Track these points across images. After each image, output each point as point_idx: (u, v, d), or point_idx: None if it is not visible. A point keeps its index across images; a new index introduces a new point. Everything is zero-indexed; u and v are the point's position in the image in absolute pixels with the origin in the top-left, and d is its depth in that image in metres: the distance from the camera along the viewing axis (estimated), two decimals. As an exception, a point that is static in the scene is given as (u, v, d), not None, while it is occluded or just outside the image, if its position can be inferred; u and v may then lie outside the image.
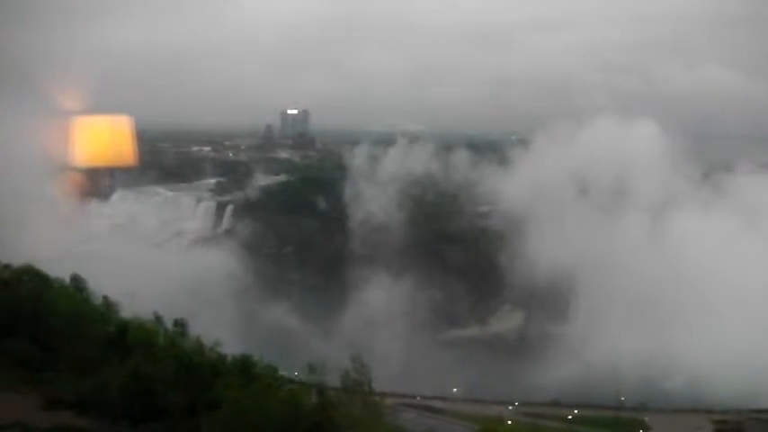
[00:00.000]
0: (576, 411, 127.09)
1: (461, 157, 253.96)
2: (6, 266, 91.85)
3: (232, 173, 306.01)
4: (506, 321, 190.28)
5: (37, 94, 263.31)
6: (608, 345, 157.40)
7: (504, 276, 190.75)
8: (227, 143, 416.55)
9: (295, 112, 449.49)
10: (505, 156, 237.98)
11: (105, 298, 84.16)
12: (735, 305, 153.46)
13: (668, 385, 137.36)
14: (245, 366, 66.31)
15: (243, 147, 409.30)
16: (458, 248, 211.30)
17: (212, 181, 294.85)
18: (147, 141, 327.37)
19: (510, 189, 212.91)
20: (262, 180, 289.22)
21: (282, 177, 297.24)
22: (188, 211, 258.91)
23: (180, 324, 74.03)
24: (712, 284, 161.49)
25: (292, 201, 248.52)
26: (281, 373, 69.32)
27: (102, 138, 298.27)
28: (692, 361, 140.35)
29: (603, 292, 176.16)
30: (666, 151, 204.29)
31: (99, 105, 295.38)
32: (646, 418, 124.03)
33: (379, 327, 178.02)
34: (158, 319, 75.37)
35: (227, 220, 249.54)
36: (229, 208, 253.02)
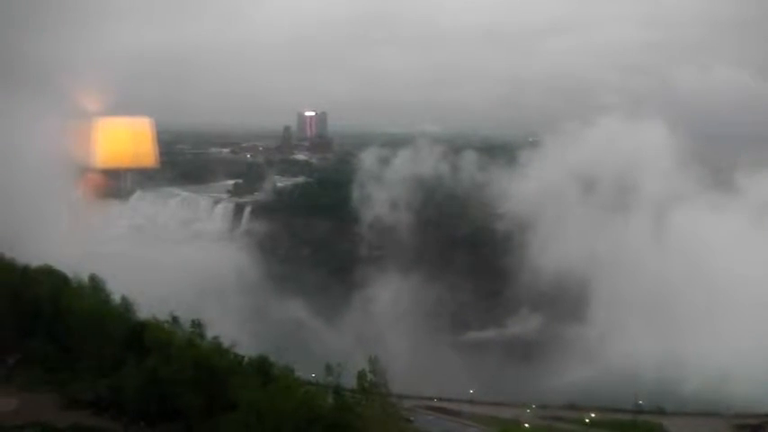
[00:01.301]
0: (593, 414, 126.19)
1: (477, 158, 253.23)
2: (26, 267, 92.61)
3: (250, 174, 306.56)
4: (523, 323, 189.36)
5: (59, 95, 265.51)
6: (625, 347, 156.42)
7: (522, 278, 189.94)
8: (244, 145, 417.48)
9: (312, 113, 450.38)
10: (521, 157, 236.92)
11: (123, 298, 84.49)
12: (753, 305, 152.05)
13: (686, 388, 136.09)
14: (262, 367, 66.48)
15: (260, 148, 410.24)
16: (474, 250, 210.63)
17: (230, 182, 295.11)
18: (166, 143, 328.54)
19: (525, 190, 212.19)
20: (279, 181, 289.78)
21: (300, 179, 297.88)
22: (206, 212, 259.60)
23: (197, 325, 74.23)
24: (729, 285, 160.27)
25: (310, 202, 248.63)
26: (298, 374, 69.31)
27: (124, 139, 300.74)
28: (710, 363, 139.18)
29: (620, 293, 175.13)
30: (680, 152, 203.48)
31: (119, 107, 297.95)
32: (664, 422, 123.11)
33: (396, 329, 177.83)
34: (175, 319, 75.55)
35: (244, 222, 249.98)
36: (247, 209, 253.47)
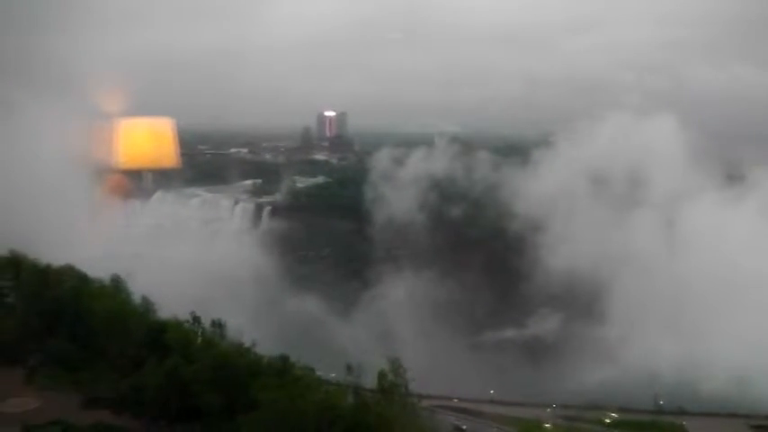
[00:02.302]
0: (613, 414, 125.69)
1: (495, 158, 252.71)
2: (48, 267, 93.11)
3: (270, 174, 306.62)
4: (543, 323, 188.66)
5: (81, 97, 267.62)
6: (645, 347, 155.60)
7: (542, 278, 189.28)
8: (264, 145, 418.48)
9: (332, 114, 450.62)
10: (539, 157, 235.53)
11: (144, 298, 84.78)
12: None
13: (707, 388, 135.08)
14: (282, 367, 66.45)
15: (281, 148, 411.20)
16: (492, 250, 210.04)
17: (250, 182, 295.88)
18: (186, 143, 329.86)
19: (544, 190, 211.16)
20: (299, 182, 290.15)
21: (320, 179, 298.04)
22: (226, 212, 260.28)
23: (217, 325, 74.36)
24: (749, 283, 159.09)
25: (329, 202, 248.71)
26: (318, 373, 69.30)
27: (146, 140, 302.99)
28: (729, 363, 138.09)
29: (639, 293, 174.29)
30: (697, 150, 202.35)
31: (140, 108, 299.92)
32: (684, 422, 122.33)
33: (416, 328, 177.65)
34: (196, 319, 75.74)
35: (264, 222, 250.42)
36: (267, 209, 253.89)
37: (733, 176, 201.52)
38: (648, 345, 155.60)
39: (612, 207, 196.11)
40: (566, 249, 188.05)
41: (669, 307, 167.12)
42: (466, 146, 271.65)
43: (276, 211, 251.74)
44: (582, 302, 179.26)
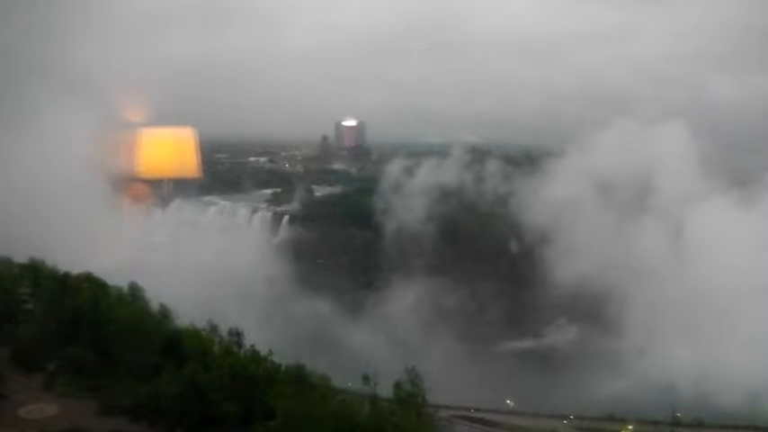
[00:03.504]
0: (630, 426, 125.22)
1: (513, 167, 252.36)
2: (66, 274, 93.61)
3: (288, 183, 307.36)
4: (561, 334, 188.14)
5: (103, 106, 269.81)
6: (663, 358, 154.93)
7: (559, 288, 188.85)
8: (283, 154, 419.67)
9: (351, 123, 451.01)
10: (555, 167, 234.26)
11: (162, 306, 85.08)
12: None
13: (725, 400, 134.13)
14: (298, 376, 66.44)
15: (299, 157, 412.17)
16: (513, 260, 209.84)
17: (268, 191, 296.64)
18: (205, 152, 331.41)
19: (560, 199, 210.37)
20: (317, 191, 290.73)
21: (338, 188, 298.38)
22: (244, 220, 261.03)
23: (235, 333, 74.41)
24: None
25: (348, 211, 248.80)
26: (335, 383, 69.24)
27: (167, 149, 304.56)
28: (748, 374, 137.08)
29: (657, 303, 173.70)
30: (712, 159, 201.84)
31: (159, 117, 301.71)
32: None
33: (434, 338, 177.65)
34: (213, 327, 75.83)
35: (283, 231, 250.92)
36: (285, 218, 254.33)
37: (746, 184, 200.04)
38: (665, 355, 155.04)
39: (628, 216, 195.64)
40: (583, 259, 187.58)
41: (685, 317, 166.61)
42: (484, 155, 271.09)
43: (294, 220, 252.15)
44: (598, 312, 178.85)
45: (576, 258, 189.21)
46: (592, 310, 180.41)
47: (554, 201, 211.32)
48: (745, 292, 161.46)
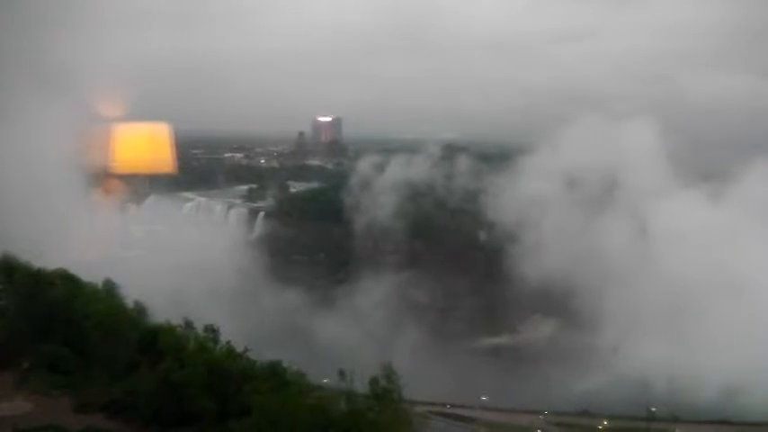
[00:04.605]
0: (605, 422, 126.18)
1: (491, 163, 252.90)
2: (40, 270, 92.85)
3: (264, 179, 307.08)
4: (536, 330, 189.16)
5: (77, 101, 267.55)
6: (638, 354, 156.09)
7: (535, 285, 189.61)
8: (259, 150, 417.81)
9: (327, 119, 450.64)
10: (530, 163, 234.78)
11: (137, 303, 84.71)
12: None
13: (700, 396, 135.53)
14: (274, 372, 66.34)
15: (275, 154, 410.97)
16: (488, 257, 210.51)
17: (244, 187, 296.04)
18: (181, 147, 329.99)
19: (537, 195, 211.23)
20: (293, 187, 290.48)
21: (314, 184, 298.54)
22: (220, 216, 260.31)
23: (210, 329, 74.23)
24: (743, 290, 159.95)
25: (324, 207, 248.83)
26: (311, 378, 69.28)
27: (142, 145, 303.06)
28: (723, 371, 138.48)
29: (632, 300, 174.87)
30: (686, 158, 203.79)
31: (135, 112, 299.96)
32: (677, 429, 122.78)
33: (409, 334, 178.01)
34: (189, 324, 75.60)
35: (258, 227, 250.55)
36: (261, 214, 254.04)
37: (714, 178, 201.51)
38: (640, 351, 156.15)
39: (599, 212, 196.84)
40: (559, 255, 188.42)
41: (660, 313, 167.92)
42: (459, 152, 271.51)
43: (270, 216, 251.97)
44: (570, 308, 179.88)
45: (547, 254, 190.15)
46: (563, 306, 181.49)
47: (525, 197, 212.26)
48: (714, 286, 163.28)
